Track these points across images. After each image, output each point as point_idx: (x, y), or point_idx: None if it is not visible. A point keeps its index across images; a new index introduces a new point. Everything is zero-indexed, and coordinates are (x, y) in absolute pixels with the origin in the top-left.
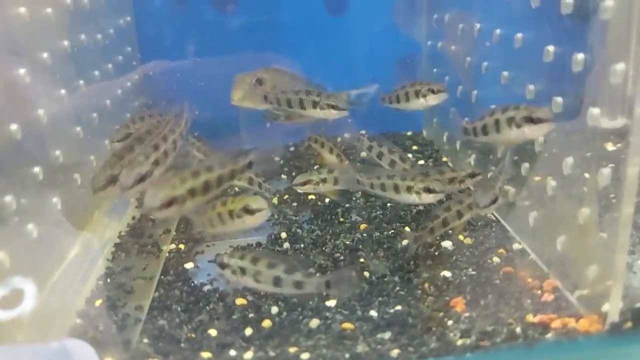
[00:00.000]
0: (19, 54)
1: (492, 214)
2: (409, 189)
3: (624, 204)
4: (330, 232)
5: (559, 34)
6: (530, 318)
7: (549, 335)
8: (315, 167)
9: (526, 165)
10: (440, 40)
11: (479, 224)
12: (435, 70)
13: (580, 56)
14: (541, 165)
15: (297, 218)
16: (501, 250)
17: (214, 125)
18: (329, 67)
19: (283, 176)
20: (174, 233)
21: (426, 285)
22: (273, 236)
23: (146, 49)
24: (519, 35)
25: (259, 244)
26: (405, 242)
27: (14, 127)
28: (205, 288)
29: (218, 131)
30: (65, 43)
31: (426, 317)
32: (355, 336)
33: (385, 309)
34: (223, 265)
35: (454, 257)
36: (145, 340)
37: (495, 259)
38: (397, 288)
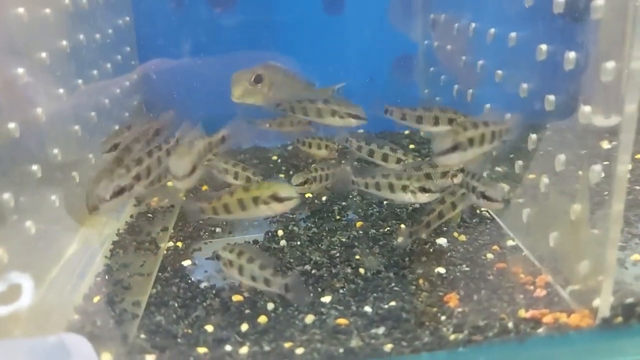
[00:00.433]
0: (18, 53)
1: (487, 211)
2: (404, 188)
3: (614, 201)
4: (327, 229)
5: (551, 33)
6: (522, 313)
7: (540, 330)
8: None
9: (520, 162)
10: (436, 39)
11: (474, 221)
12: (431, 69)
13: (572, 55)
14: (535, 162)
15: (294, 216)
16: (495, 246)
17: (211, 123)
18: (326, 66)
19: (280, 175)
20: (172, 231)
21: (420, 281)
22: (270, 233)
23: (145, 48)
24: (513, 34)
25: (255, 242)
26: (400, 239)
27: (12, 125)
28: (202, 285)
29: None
30: (64, 43)
31: (420, 313)
32: (350, 331)
33: (380, 304)
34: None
35: (448, 254)
36: (143, 336)
37: (489, 256)
38: (392, 284)
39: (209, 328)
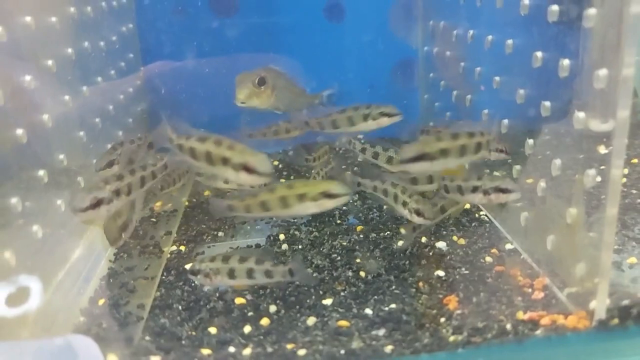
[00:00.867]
0: (25, 60)
1: (486, 215)
2: (404, 204)
3: (608, 204)
4: (328, 233)
5: (546, 40)
6: (520, 315)
7: (538, 332)
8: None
9: (517, 167)
10: (436, 46)
11: (473, 225)
12: (431, 75)
13: (566, 62)
14: (532, 167)
15: (295, 220)
16: (494, 250)
17: (213, 126)
18: (328, 73)
19: (282, 180)
20: (175, 235)
21: (420, 284)
22: (272, 237)
23: (148, 55)
24: (510, 41)
25: (258, 246)
26: (400, 242)
27: (20, 131)
28: (206, 288)
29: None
30: (70, 50)
31: (420, 315)
32: (351, 333)
33: (380, 306)
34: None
35: (448, 257)
36: (147, 338)
37: (488, 259)
38: (392, 287)
39: (213, 330)
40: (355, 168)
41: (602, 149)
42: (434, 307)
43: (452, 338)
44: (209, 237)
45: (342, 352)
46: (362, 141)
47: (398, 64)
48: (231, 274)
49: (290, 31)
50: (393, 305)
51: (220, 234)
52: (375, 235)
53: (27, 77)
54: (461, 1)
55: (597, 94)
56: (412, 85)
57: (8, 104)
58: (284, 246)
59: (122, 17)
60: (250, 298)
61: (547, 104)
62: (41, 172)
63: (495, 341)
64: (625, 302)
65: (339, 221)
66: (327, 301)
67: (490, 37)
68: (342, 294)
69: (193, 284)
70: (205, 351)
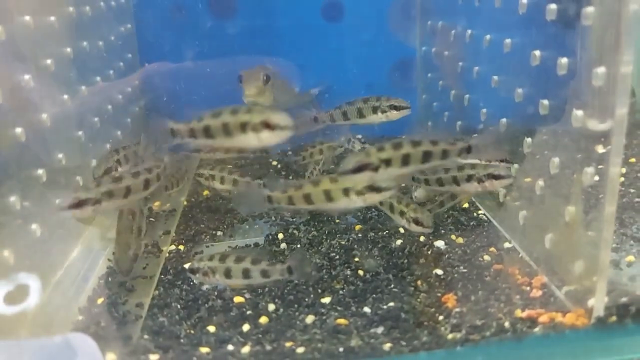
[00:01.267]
0: (24, 60)
1: (484, 214)
2: (402, 213)
3: (606, 203)
4: (327, 232)
5: (544, 39)
6: (519, 313)
7: (536, 329)
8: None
9: (516, 166)
10: (434, 45)
11: (471, 223)
12: (429, 75)
13: (564, 60)
14: (530, 165)
15: (294, 219)
16: (492, 248)
17: None
18: (326, 72)
19: (281, 180)
20: (174, 234)
21: (419, 282)
22: (270, 237)
23: (146, 55)
24: (508, 40)
25: (256, 245)
26: (399, 241)
27: (18, 130)
28: (204, 287)
29: None
30: (68, 50)
31: (418, 313)
32: (349, 331)
33: (379, 305)
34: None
35: (446, 256)
36: (146, 336)
37: (486, 257)
38: (391, 285)
39: (211, 328)
40: None
41: (600, 148)
42: (433, 305)
43: (450, 336)
44: (208, 237)
45: (341, 350)
46: (362, 140)
47: (396, 64)
48: (228, 274)
49: (289, 31)
50: (391, 304)
51: (219, 233)
52: (373, 234)
53: (26, 77)
54: (459, 1)
55: (596, 92)
56: (411, 85)
57: (7, 103)
58: (283, 245)
59: (121, 17)
60: (249, 296)
61: (546, 102)
62: (40, 171)
63: (494, 339)
64: (624, 299)
65: (337, 220)
66: (326, 299)
67: (488, 37)
68: (340, 292)
69: (192, 283)
70: (204, 349)
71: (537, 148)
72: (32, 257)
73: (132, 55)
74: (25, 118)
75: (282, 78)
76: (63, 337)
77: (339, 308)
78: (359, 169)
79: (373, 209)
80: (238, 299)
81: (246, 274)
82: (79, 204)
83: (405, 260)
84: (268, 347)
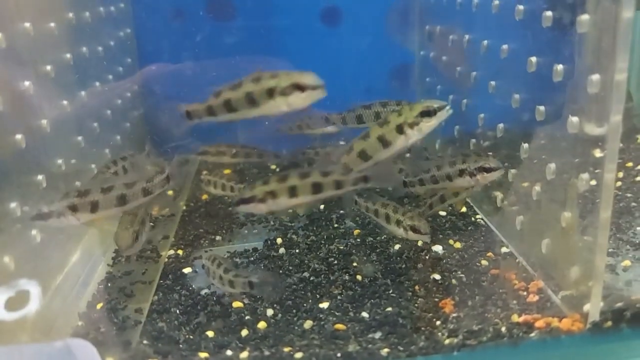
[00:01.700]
0: (25, 66)
1: (482, 219)
2: (398, 223)
3: (602, 208)
4: (325, 237)
5: (540, 45)
6: (515, 318)
7: (533, 334)
8: None
9: (513, 171)
10: (432, 50)
11: (469, 228)
12: (427, 79)
13: (560, 67)
14: (527, 171)
15: (292, 224)
16: (489, 253)
17: (212, 127)
18: (324, 76)
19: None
20: (173, 239)
21: (416, 287)
22: (269, 241)
23: (145, 59)
24: (505, 46)
25: (255, 250)
26: (397, 246)
27: (19, 136)
28: (203, 292)
29: (216, 133)
30: (68, 55)
31: (416, 318)
32: (347, 336)
33: (377, 310)
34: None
35: (444, 261)
36: (145, 341)
37: (484, 262)
38: (389, 290)
39: (210, 334)
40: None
41: (597, 153)
42: (430, 310)
43: (447, 341)
44: (207, 241)
45: (339, 355)
46: None
47: (395, 68)
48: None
49: (288, 35)
50: (389, 309)
51: (218, 238)
52: (372, 239)
53: (26, 83)
54: (457, 6)
55: (591, 99)
56: (409, 89)
57: (7, 109)
58: (282, 250)
59: (120, 22)
60: (248, 302)
61: (542, 108)
62: (40, 177)
63: (491, 344)
64: (619, 304)
65: (336, 225)
66: (324, 305)
67: (485, 42)
68: (338, 297)
69: (190, 288)
70: (203, 355)
71: (534, 153)
72: (32, 262)
73: (131, 59)
74: (25, 124)
75: None
76: (63, 343)
77: (337, 313)
78: (243, 202)
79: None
80: (237, 304)
81: (220, 279)
82: (42, 216)
83: (403, 265)
84: (266, 353)
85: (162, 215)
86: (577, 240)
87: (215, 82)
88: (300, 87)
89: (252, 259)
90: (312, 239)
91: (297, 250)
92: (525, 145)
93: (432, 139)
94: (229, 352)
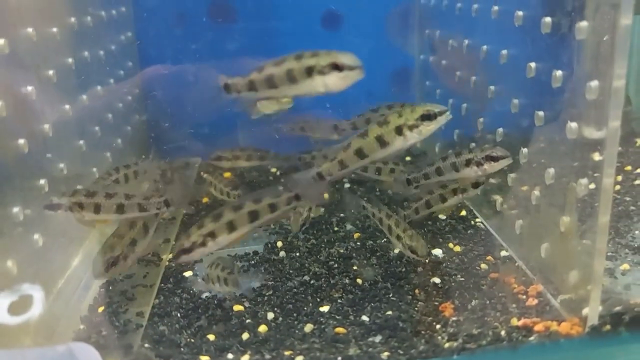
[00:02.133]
0: (27, 71)
1: (482, 222)
2: (398, 238)
3: (600, 213)
4: (325, 241)
5: (540, 51)
6: (514, 321)
7: (532, 338)
8: None
9: (512, 175)
10: (432, 54)
11: (469, 232)
12: (427, 83)
13: (558, 73)
14: (527, 175)
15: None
16: (489, 257)
17: (212, 129)
18: None
19: (280, 188)
20: (174, 242)
21: (416, 291)
22: (270, 245)
23: (147, 63)
24: (504, 51)
25: (255, 253)
26: (397, 250)
27: (21, 141)
28: (204, 295)
29: (215, 134)
30: (70, 60)
31: (416, 322)
32: (348, 340)
33: (377, 313)
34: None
35: (444, 264)
36: (147, 345)
37: (483, 266)
38: (389, 294)
39: (211, 337)
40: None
41: (596, 157)
42: (430, 314)
43: (447, 344)
44: None
45: (339, 358)
46: None
47: (395, 72)
48: None
49: (288, 39)
50: (389, 312)
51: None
52: (372, 242)
53: (29, 88)
54: (457, 11)
55: (589, 105)
56: (409, 93)
57: (10, 114)
58: (282, 253)
59: (121, 26)
60: (249, 305)
61: (541, 113)
62: (42, 181)
63: (490, 347)
64: (618, 308)
65: (336, 228)
66: (324, 308)
67: (485, 47)
68: (339, 301)
69: (192, 291)
70: (204, 358)
71: (533, 158)
72: (35, 266)
73: (132, 63)
74: (27, 129)
75: None
76: (66, 346)
77: (337, 317)
78: (184, 253)
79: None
80: (237, 308)
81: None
82: (53, 207)
83: (403, 269)
84: (267, 356)
85: (162, 218)
86: (576, 244)
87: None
88: (338, 67)
89: (252, 262)
90: (312, 243)
91: (297, 254)
92: (525, 150)
93: (431, 143)
94: (230, 356)
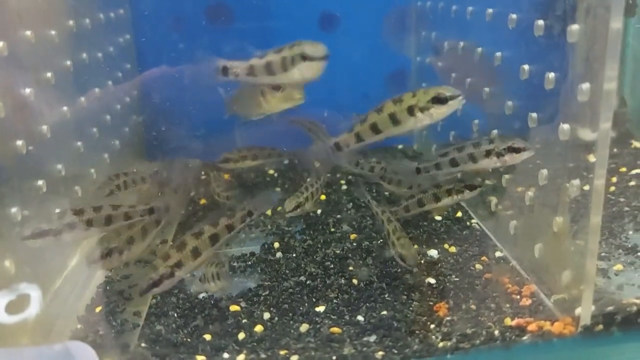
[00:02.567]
0: (26, 73)
1: (477, 223)
2: (393, 245)
3: (592, 213)
4: (322, 241)
5: (533, 54)
6: (508, 321)
7: (525, 338)
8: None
9: (507, 176)
10: (429, 56)
11: (464, 233)
12: (424, 84)
13: (551, 75)
14: (521, 176)
15: (289, 228)
16: (484, 257)
17: (210, 129)
18: (321, 83)
19: (277, 189)
20: (171, 243)
21: (411, 291)
22: (266, 246)
23: (145, 65)
24: (498, 54)
25: (252, 254)
26: (393, 250)
27: (20, 142)
28: (201, 295)
29: (214, 134)
30: (68, 62)
31: (410, 321)
32: (343, 339)
33: (372, 313)
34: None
35: (439, 265)
36: (143, 344)
37: (478, 266)
38: (384, 294)
39: (208, 337)
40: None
41: (590, 158)
42: (425, 314)
43: (441, 344)
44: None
45: (334, 358)
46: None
47: (392, 74)
48: None
49: (286, 40)
50: (384, 312)
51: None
52: (368, 243)
53: (27, 90)
54: (452, 14)
55: (581, 107)
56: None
57: (9, 116)
58: (278, 254)
59: (119, 28)
60: (245, 305)
61: (534, 115)
62: (40, 182)
63: (483, 347)
64: (610, 308)
65: (332, 229)
66: (320, 308)
67: (479, 49)
68: (334, 301)
69: (188, 292)
70: (200, 357)
71: (527, 159)
72: (32, 266)
73: (130, 65)
74: (26, 130)
75: None
76: (62, 345)
77: (332, 317)
78: (153, 286)
79: (368, 218)
80: (234, 308)
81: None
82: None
83: (399, 269)
84: (263, 356)
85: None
86: (569, 244)
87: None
88: (305, 57)
89: (249, 263)
90: (308, 243)
91: (293, 255)
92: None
93: (428, 144)
94: (226, 355)
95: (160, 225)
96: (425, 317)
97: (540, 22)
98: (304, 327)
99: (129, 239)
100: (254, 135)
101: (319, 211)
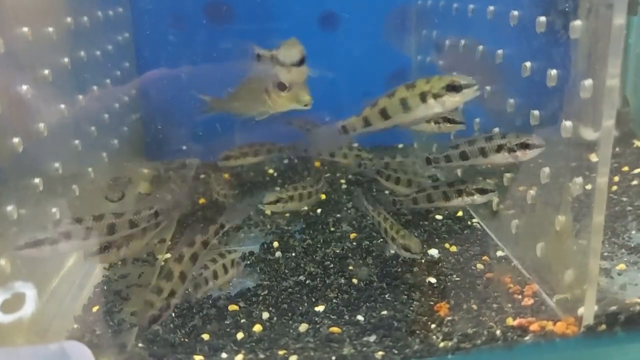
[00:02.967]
0: (23, 70)
1: (478, 222)
2: (393, 239)
3: (595, 212)
4: (321, 241)
5: (535, 51)
6: (510, 321)
7: (527, 338)
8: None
9: (508, 175)
10: (429, 55)
11: (465, 232)
12: None
13: (553, 72)
14: (522, 175)
15: (289, 228)
16: (485, 257)
17: (210, 128)
18: (321, 82)
19: (276, 188)
20: (169, 243)
21: (412, 291)
22: (266, 245)
23: (143, 64)
24: (500, 51)
25: (251, 253)
26: (393, 250)
27: (16, 140)
28: (199, 295)
29: (213, 134)
30: (66, 60)
31: (410, 321)
32: (342, 339)
33: (372, 313)
34: None
35: (440, 264)
36: (141, 344)
37: (479, 266)
38: (384, 294)
39: (206, 337)
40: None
41: (592, 157)
42: (425, 313)
43: (442, 344)
44: None
45: (333, 358)
46: (359, 148)
47: (392, 73)
48: None
49: (285, 39)
50: (384, 312)
51: (215, 241)
52: (368, 242)
53: (24, 87)
54: (453, 12)
55: (584, 104)
56: None
57: (5, 113)
58: (278, 253)
59: (118, 26)
60: (243, 305)
61: (536, 113)
62: (37, 180)
63: (485, 347)
64: (613, 308)
65: (332, 229)
66: (320, 308)
67: (481, 47)
68: (334, 300)
69: (187, 291)
70: (198, 358)
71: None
72: (28, 265)
73: (129, 64)
74: (23, 128)
75: None
76: (58, 345)
77: (332, 316)
78: (155, 321)
79: (368, 218)
80: (232, 307)
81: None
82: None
83: (399, 269)
84: (261, 356)
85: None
86: (572, 244)
87: (214, 85)
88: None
89: (248, 262)
90: (308, 243)
91: (293, 254)
92: None
93: (429, 143)
94: (224, 355)
95: (160, 227)
96: (426, 317)
97: (542, 18)
98: (303, 327)
99: (127, 236)
100: (253, 133)
101: (318, 210)
